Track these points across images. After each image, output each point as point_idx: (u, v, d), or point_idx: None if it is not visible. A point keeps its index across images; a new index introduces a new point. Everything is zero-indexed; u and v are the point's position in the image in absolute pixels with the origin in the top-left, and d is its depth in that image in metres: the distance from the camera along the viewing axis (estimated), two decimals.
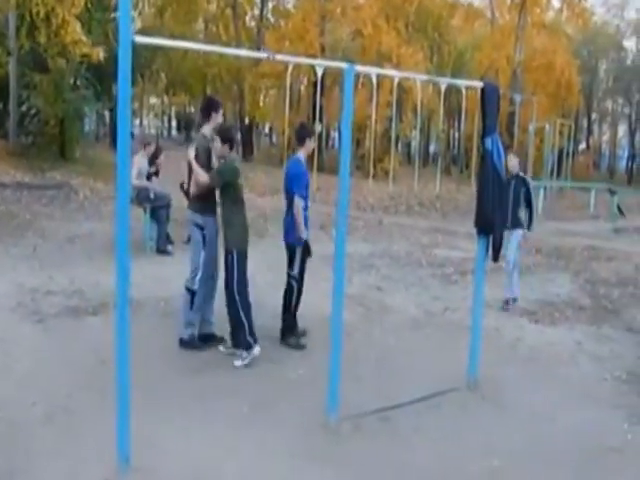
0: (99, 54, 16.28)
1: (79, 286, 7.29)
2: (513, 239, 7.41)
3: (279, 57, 4.60)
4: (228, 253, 5.35)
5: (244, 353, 5.33)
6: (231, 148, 5.37)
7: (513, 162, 7.47)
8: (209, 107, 5.78)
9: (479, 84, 4.97)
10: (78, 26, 15.44)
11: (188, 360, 5.38)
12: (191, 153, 5.52)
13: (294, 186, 5.75)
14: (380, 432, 4.33)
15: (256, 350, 5.34)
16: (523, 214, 7.46)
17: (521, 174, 7.63)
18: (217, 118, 5.73)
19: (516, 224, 7.37)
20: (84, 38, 15.74)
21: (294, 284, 5.92)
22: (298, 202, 5.67)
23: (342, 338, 4.49)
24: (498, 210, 4.97)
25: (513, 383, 5.29)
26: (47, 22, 15.48)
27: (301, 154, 5.92)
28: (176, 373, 5.11)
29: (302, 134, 5.91)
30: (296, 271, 5.88)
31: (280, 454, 3.94)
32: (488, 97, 4.90)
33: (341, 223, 4.40)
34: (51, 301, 6.71)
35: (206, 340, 5.72)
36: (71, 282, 7.43)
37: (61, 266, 8.19)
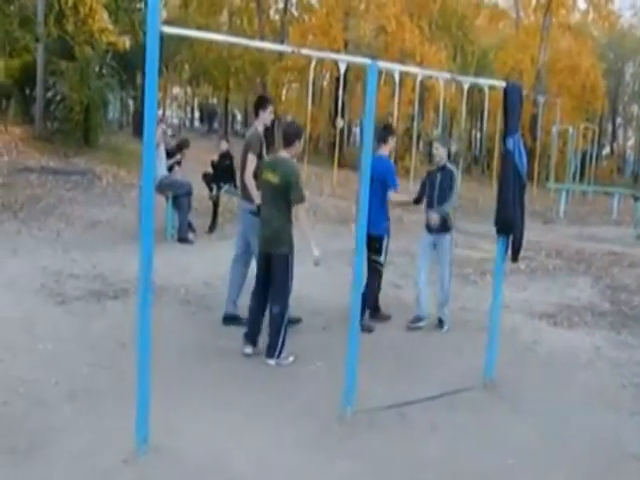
0: (125, 43, 16.38)
1: (101, 270, 7.39)
2: (445, 247, 6.49)
3: (304, 51, 4.62)
4: None
5: None
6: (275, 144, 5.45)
7: (440, 151, 6.58)
8: (257, 105, 6.28)
9: (502, 84, 4.97)
10: (105, 15, 15.54)
11: (207, 347, 5.44)
12: (250, 167, 5.94)
13: (391, 180, 6.32)
14: (395, 427, 4.35)
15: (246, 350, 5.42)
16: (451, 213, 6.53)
17: (449, 166, 6.54)
18: (265, 115, 6.15)
19: (444, 227, 6.41)
20: (110, 27, 15.84)
21: (381, 269, 6.54)
22: (395, 195, 6.38)
23: (359, 333, 4.52)
24: (519, 210, 4.96)
25: (530, 385, 5.28)
26: (75, 10, 15.61)
27: (385, 151, 6.52)
28: (194, 359, 5.18)
29: (385, 134, 6.57)
30: (383, 258, 6.50)
31: (294, 445, 3.97)
32: (510, 97, 4.89)
33: (362, 219, 4.42)
34: (74, 284, 6.81)
35: (230, 321, 5.99)
36: (93, 266, 7.53)
37: (84, 250, 8.29)
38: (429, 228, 6.45)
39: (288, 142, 5.30)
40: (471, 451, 4.09)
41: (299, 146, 5.39)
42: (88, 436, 3.83)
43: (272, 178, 5.20)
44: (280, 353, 5.27)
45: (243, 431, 4.07)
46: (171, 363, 4.89)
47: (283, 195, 5.16)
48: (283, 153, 5.32)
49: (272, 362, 5.25)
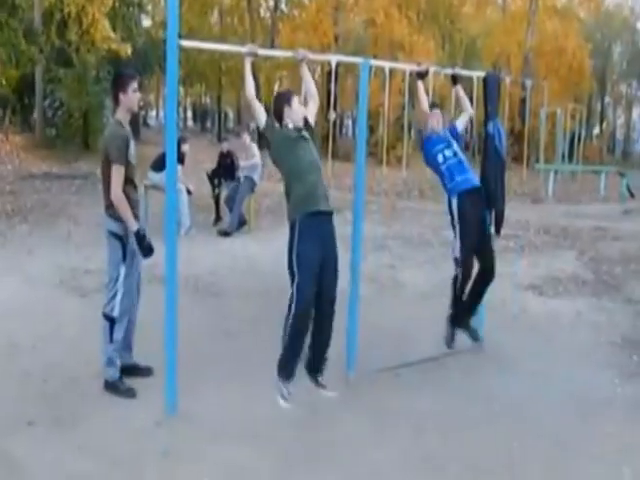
0: (127, 50, 16.79)
1: None
2: None
3: (310, 56, 4.98)
4: None
5: None
6: None
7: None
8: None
9: (481, 74, 5.53)
10: (107, 23, 15.96)
11: (218, 329, 5.93)
12: None
13: None
14: (392, 386, 4.87)
15: None
16: None
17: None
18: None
19: None
20: (112, 35, 16.26)
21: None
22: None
23: (359, 307, 5.04)
24: (500, 186, 5.48)
25: (515, 347, 5.79)
26: (78, 20, 16.03)
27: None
28: (209, 340, 5.66)
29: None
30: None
31: (305, 404, 4.43)
32: (489, 85, 5.50)
33: (358, 205, 4.95)
34: (90, 279, 7.26)
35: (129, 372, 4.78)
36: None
37: (96, 248, 8.67)
38: None
39: None
40: (461, 401, 4.62)
41: None
42: (122, 406, 4.34)
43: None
44: None
45: (259, 396, 4.49)
46: (188, 342, 5.36)
47: None
48: None
49: None
